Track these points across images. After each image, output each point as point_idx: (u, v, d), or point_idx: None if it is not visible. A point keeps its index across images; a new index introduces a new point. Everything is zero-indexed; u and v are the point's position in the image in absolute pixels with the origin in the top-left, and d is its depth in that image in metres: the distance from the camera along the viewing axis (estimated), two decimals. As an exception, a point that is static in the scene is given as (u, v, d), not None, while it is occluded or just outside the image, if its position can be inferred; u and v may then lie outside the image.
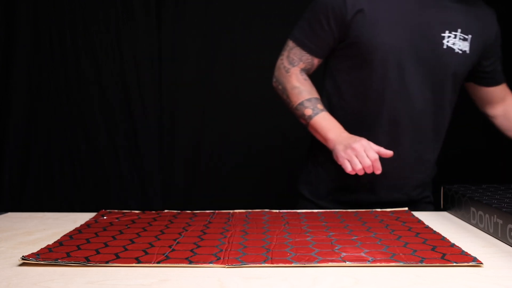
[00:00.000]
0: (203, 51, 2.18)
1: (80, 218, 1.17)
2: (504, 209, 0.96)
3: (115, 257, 0.86)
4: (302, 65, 1.32)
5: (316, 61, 1.33)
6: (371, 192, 1.34)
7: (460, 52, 1.26)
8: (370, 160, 1.14)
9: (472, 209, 1.08)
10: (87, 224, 1.11)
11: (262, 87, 2.18)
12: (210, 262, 0.83)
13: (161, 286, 0.74)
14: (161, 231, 1.04)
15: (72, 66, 2.15)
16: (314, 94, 1.31)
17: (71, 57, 2.15)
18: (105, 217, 1.17)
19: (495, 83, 1.41)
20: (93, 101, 2.17)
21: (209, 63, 2.19)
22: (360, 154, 1.14)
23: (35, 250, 0.89)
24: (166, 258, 0.85)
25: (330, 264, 0.81)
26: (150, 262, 0.83)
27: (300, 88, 1.30)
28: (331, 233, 1.00)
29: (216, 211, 1.24)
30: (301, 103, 1.29)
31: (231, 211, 1.23)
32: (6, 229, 1.10)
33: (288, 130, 2.13)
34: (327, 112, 1.28)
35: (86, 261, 0.83)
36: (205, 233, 1.01)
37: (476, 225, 1.07)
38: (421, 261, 0.82)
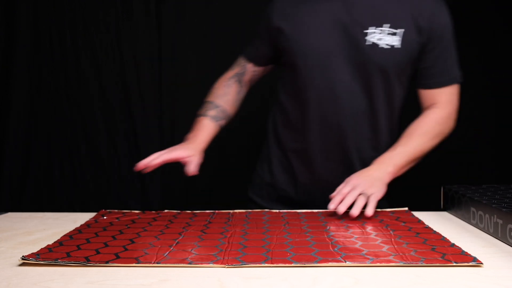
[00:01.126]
0: (203, 51, 2.18)
1: (80, 218, 1.17)
2: (504, 209, 0.96)
3: (115, 257, 0.86)
4: (237, 69, 1.45)
5: (248, 67, 1.43)
6: (308, 194, 1.37)
7: (388, 47, 1.23)
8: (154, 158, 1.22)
9: (472, 209, 1.08)
10: (87, 224, 1.11)
11: (261, 87, 2.18)
12: (210, 262, 0.83)
13: (161, 286, 0.74)
14: (161, 231, 1.04)
15: (72, 66, 2.15)
16: (217, 99, 1.41)
17: (71, 57, 2.15)
18: (105, 217, 1.17)
19: (421, 85, 1.30)
20: (93, 101, 2.17)
21: (209, 63, 2.19)
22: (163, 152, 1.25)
23: (35, 250, 0.89)
24: (166, 258, 0.85)
25: (330, 264, 0.81)
26: (150, 262, 0.83)
27: (213, 90, 1.44)
28: (331, 233, 1.00)
29: (216, 211, 1.24)
30: (204, 102, 1.43)
31: (231, 211, 1.23)
32: (6, 229, 1.10)
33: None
34: (209, 119, 1.38)
35: (86, 261, 0.83)
36: (205, 233, 1.02)
37: (476, 225, 1.07)
38: (421, 261, 0.82)
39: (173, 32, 2.17)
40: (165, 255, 0.87)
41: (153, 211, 1.23)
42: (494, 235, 0.98)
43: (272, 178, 1.42)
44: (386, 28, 1.22)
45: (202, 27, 2.17)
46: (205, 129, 1.36)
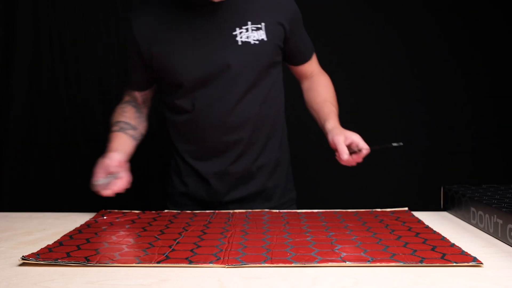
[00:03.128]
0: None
1: (80, 218, 1.18)
2: (504, 209, 0.96)
3: (115, 257, 0.86)
4: (126, 98, 1.46)
5: (136, 94, 1.44)
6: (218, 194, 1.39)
7: (257, 42, 1.29)
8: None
9: (472, 209, 1.08)
10: (87, 224, 1.11)
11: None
12: (210, 262, 0.83)
13: (161, 286, 0.74)
14: (161, 231, 1.04)
15: (72, 66, 2.15)
16: (120, 118, 1.42)
17: (71, 57, 2.15)
18: (105, 217, 1.17)
19: (299, 62, 1.44)
20: (93, 101, 2.17)
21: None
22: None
23: (35, 250, 0.89)
24: (166, 258, 0.85)
25: (330, 264, 0.81)
26: (150, 262, 0.83)
27: (115, 113, 1.43)
28: (331, 233, 1.00)
29: (216, 211, 1.24)
30: (113, 123, 1.42)
31: (231, 211, 1.23)
32: (6, 229, 1.10)
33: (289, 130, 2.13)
34: (121, 133, 1.39)
35: (86, 261, 0.83)
36: (205, 233, 1.02)
37: (476, 225, 1.07)
38: (421, 261, 0.82)
39: (173, 32, 2.17)
40: (165, 255, 0.87)
41: (153, 211, 1.23)
42: (494, 235, 0.98)
43: (185, 187, 1.43)
44: (249, 25, 1.29)
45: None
46: (124, 143, 1.39)
